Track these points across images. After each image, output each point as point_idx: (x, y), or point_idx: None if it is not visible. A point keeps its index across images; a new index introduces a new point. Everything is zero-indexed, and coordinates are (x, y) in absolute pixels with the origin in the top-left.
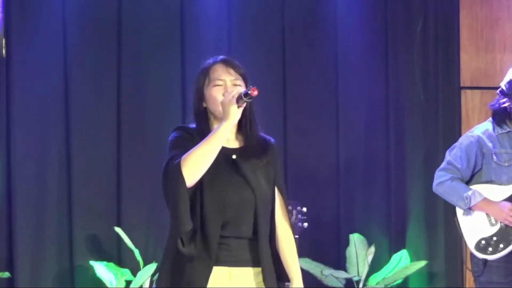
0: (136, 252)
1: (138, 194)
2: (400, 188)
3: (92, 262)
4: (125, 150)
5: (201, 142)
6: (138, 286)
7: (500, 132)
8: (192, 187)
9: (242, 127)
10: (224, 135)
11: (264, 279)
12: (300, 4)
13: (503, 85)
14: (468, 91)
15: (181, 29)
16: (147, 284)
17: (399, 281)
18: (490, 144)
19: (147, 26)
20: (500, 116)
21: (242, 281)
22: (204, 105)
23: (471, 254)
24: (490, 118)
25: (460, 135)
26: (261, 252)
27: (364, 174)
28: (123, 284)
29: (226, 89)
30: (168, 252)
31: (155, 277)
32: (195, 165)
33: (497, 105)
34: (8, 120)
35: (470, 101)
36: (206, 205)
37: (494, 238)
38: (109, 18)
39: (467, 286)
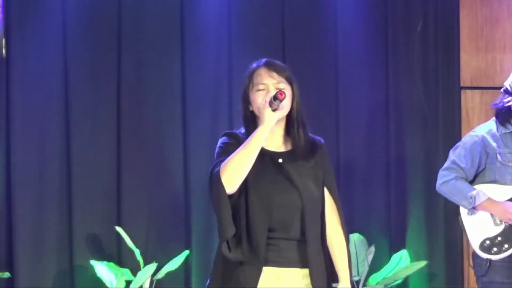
0: (137, 252)
1: (138, 194)
2: (400, 188)
3: (92, 262)
4: (125, 150)
5: (238, 149)
6: (138, 286)
7: (503, 132)
8: (237, 191)
9: (290, 129)
10: (261, 140)
11: (312, 281)
12: (300, 4)
13: (507, 84)
14: (468, 91)
15: (181, 29)
16: (147, 284)
17: (399, 281)
18: (494, 144)
19: (147, 26)
20: (504, 115)
21: (290, 282)
22: (251, 109)
23: (473, 253)
24: (494, 118)
25: (460, 135)
26: (309, 254)
27: (364, 174)
28: (123, 284)
29: (268, 93)
30: (218, 256)
31: (157, 276)
32: (233, 172)
33: (500, 104)
34: (8, 120)
35: (470, 101)
36: (251, 208)
37: (499, 238)
38: (109, 18)
39: (467, 286)
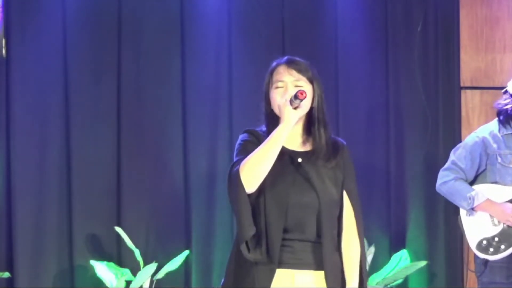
0: (136, 252)
1: (138, 194)
2: (400, 188)
3: (92, 262)
4: (125, 150)
5: (258, 147)
6: (138, 286)
7: (505, 132)
8: (256, 190)
9: (311, 128)
10: (281, 138)
11: (327, 283)
12: (300, 4)
13: (509, 85)
14: (468, 91)
15: (181, 29)
16: (147, 284)
17: (399, 281)
18: (495, 145)
19: (147, 26)
20: (503, 116)
21: (306, 284)
22: (272, 107)
23: (474, 254)
24: (496, 118)
25: (460, 135)
26: (324, 256)
27: (364, 174)
28: (123, 284)
29: (287, 91)
30: (233, 254)
31: (157, 276)
32: (253, 171)
33: (500, 105)
34: (8, 120)
35: (470, 101)
36: (269, 208)
37: (496, 239)
38: (109, 18)
39: (467, 286)
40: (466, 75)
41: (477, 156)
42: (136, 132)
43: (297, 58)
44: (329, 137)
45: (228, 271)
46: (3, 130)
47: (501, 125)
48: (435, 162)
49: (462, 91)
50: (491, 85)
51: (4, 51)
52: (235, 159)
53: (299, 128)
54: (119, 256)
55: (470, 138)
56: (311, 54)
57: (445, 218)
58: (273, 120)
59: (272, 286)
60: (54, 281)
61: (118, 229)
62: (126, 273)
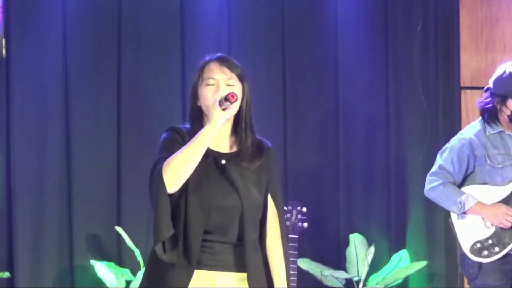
0: (137, 252)
1: (138, 194)
2: (400, 188)
3: (93, 262)
4: (125, 150)
5: (183, 147)
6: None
7: (491, 132)
8: (178, 191)
9: (237, 129)
10: (207, 140)
11: (249, 285)
12: (300, 4)
13: (490, 82)
14: (468, 91)
15: (181, 29)
16: None
17: (399, 281)
18: (482, 146)
19: (147, 26)
20: (489, 115)
21: (226, 285)
22: (198, 103)
23: (463, 256)
24: (480, 118)
25: None
26: (247, 258)
27: (364, 174)
28: (123, 284)
29: (218, 89)
30: (151, 256)
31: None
32: (176, 171)
33: (483, 104)
34: (8, 120)
35: (470, 101)
36: (190, 210)
37: (489, 241)
38: (109, 18)
39: (467, 286)
40: (466, 75)
41: (465, 159)
42: (136, 132)
43: (229, 56)
44: (254, 138)
45: (147, 272)
46: (3, 130)
47: (486, 125)
48: (435, 162)
49: (462, 91)
50: None
51: (4, 51)
52: (158, 157)
53: (227, 129)
54: (119, 256)
55: (456, 139)
56: (311, 54)
57: (445, 218)
58: (198, 118)
59: (190, 287)
60: (54, 281)
61: (118, 229)
62: (126, 273)
